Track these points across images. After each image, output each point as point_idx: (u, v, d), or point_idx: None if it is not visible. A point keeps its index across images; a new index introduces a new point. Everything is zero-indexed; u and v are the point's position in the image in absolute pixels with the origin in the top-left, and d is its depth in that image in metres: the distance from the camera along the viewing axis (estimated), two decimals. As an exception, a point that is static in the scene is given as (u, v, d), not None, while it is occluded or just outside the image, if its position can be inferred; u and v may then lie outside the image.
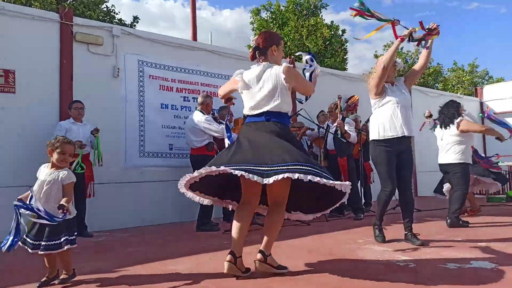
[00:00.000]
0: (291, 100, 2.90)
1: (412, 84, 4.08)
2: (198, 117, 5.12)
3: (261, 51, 2.86)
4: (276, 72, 2.78)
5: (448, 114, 4.91)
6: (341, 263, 3.07)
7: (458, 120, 4.83)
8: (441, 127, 5.01)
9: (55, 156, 2.71)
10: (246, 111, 2.90)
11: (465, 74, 24.27)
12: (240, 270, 2.68)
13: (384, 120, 3.78)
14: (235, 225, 2.68)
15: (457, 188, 4.77)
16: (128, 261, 3.32)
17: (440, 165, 5.01)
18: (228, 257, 2.64)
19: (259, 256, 2.72)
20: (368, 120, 5.85)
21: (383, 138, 3.77)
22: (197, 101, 5.56)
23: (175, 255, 3.51)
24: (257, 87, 2.83)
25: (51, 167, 2.72)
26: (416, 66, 4.00)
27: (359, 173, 6.31)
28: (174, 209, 5.88)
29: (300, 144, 2.90)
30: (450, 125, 4.88)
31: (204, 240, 4.29)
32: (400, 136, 3.72)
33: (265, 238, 2.76)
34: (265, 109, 2.78)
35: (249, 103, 2.86)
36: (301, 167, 2.45)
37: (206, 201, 2.93)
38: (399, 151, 3.78)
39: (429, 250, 3.46)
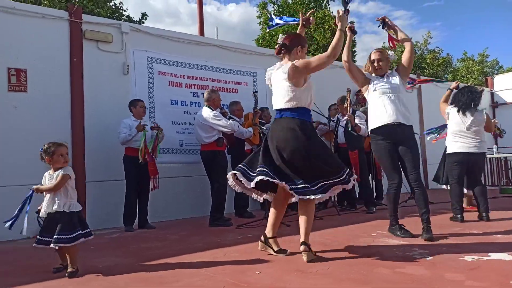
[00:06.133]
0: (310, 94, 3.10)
1: (407, 77, 3.95)
2: (206, 113, 5.11)
3: (288, 49, 3.15)
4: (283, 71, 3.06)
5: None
6: (358, 256, 3.06)
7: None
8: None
9: (53, 160, 2.90)
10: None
11: (475, 64, 23.96)
12: (272, 248, 3.13)
13: (374, 110, 3.77)
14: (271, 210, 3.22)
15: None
16: (143, 256, 3.34)
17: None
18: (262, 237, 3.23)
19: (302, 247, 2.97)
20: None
21: (376, 127, 3.73)
22: (205, 97, 5.54)
23: (190, 250, 3.52)
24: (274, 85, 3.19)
25: (53, 171, 2.92)
26: (404, 61, 3.87)
27: (370, 166, 6.28)
28: (186, 205, 5.90)
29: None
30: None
31: (218, 235, 4.30)
32: (391, 123, 3.65)
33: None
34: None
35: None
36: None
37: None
38: (396, 140, 3.68)
39: (445, 242, 3.43)
